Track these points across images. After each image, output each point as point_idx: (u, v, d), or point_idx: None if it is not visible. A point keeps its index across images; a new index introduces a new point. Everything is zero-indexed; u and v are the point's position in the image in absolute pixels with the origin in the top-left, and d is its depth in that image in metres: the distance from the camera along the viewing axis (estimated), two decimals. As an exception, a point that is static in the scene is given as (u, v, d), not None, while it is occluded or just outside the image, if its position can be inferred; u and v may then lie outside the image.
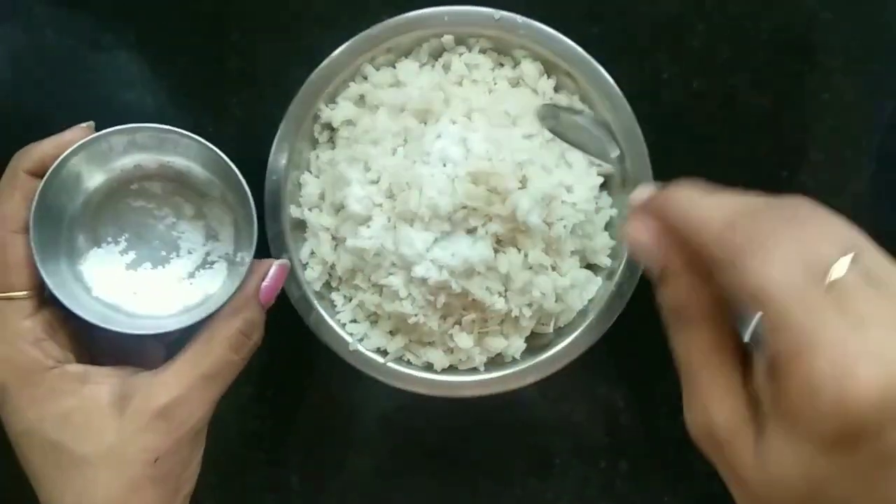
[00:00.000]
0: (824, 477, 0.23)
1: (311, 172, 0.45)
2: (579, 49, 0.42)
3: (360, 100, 0.44)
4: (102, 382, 0.33)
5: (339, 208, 0.43)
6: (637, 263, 0.43)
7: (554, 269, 0.43)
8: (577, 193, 0.42)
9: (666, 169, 0.48)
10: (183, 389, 0.33)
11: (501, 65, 0.44)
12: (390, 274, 0.41)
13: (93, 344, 0.35)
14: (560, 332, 0.44)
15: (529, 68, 0.43)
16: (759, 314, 0.24)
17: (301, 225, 0.45)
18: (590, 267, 0.45)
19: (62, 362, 0.33)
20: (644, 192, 0.31)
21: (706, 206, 0.28)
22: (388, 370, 0.44)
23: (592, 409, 0.50)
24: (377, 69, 0.44)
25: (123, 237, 0.40)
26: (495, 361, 0.44)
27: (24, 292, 0.32)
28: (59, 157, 0.35)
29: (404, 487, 0.51)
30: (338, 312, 0.45)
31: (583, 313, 0.44)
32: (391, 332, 0.44)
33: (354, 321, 0.44)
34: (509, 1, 0.43)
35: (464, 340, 0.43)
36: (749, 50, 0.48)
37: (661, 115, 0.48)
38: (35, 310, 0.32)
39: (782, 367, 0.23)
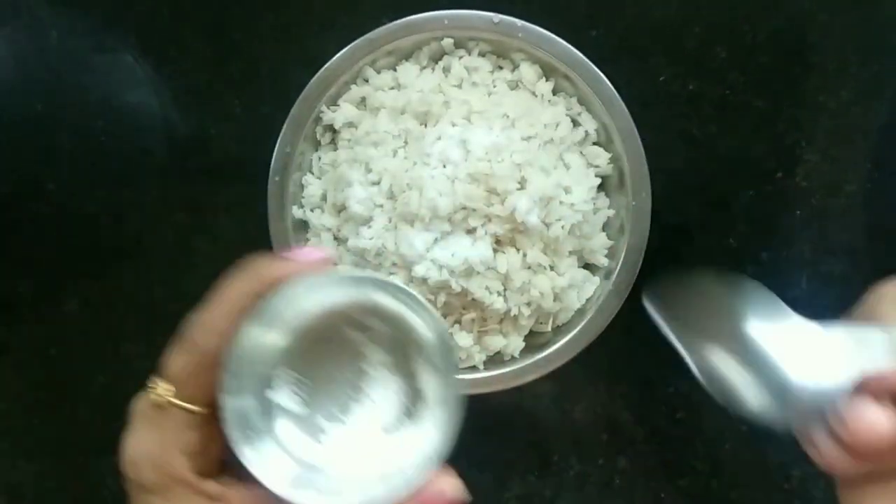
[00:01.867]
0: None
1: (313, 174, 0.45)
2: (577, 52, 0.43)
3: (362, 102, 0.44)
4: None
5: (340, 209, 0.44)
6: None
7: (552, 268, 0.43)
8: (576, 194, 0.43)
9: (663, 170, 0.48)
10: None
11: (500, 67, 0.45)
12: (391, 274, 0.42)
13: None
14: (558, 331, 0.45)
15: (528, 71, 0.44)
16: None
17: (303, 225, 0.45)
18: (587, 267, 0.45)
19: (205, 476, 0.32)
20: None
21: None
22: (389, 369, 0.44)
23: (591, 406, 0.50)
24: (378, 72, 0.44)
25: (311, 383, 0.36)
26: (494, 360, 0.45)
27: (203, 409, 0.31)
28: (285, 282, 0.32)
29: (404, 485, 0.51)
30: (339, 312, 0.45)
31: (581, 312, 0.45)
32: (392, 332, 0.44)
33: (356, 320, 0.45)
34: (508, 4, 0.43)
35: (463, 339, 0.43)
36: (745, 51, 0.48)
37: (659, 116, 0.48)
38: (203, 424, 0.32)
39: None
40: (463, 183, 0.40)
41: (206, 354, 0.31)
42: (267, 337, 0.34)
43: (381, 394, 0.37)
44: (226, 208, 0.49)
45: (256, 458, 0.33)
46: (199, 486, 0.32)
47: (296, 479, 0.34)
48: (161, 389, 0.31)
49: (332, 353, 0.36)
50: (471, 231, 0.41)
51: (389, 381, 0.37)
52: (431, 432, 0.36)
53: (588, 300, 0.45)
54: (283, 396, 0.35)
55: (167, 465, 0.32)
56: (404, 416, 0.37)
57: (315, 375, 0.36)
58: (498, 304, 0.42)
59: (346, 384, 0.37)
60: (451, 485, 0.35)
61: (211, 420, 0.32)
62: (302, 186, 0.45)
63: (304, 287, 0.33)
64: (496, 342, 0.44)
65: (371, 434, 0.36)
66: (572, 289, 0.44)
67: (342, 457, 0.36)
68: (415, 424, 0.37)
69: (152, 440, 0.32)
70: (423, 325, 0.35)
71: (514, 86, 0.45)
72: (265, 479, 0.32)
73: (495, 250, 0.42)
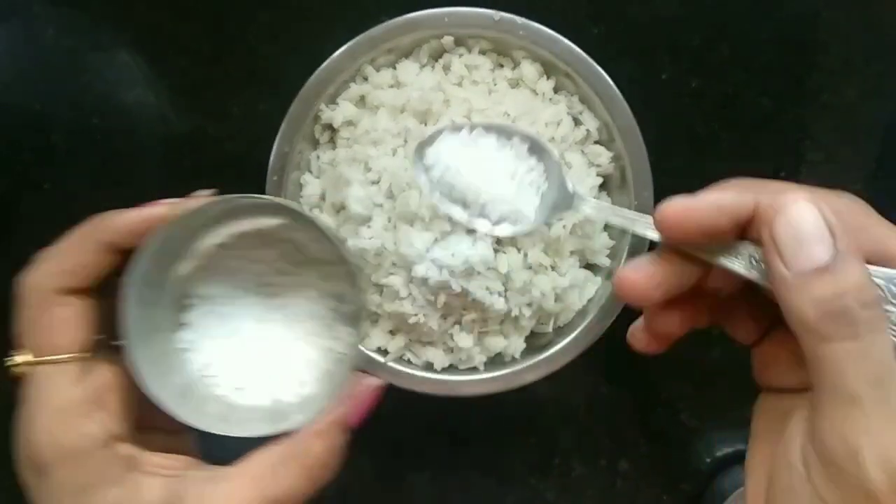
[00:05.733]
0: None
1: (311, 173, 0.45)
2: (578, 50, 0.42)
3: (361, 100, 0.44)
4: (152, 475, 0.29)
5: (339, 209, 0.43)
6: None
7: (553, 268, 0.43)
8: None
9: (665, 169, 0.48)
10: None
11: (501, 66, 0.45)
12: (391, 274, 0.41)
13: (140, 403, 0.31)
14: (559, 332, 0.44)
15: (529, 69, 0.43)
16: None
17: (301, 225, 0.45)
18: (589, 267, 0.45)
19: (113, 436, 0.29)
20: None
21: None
22: (389, 370, 0.44)
23: (592, 408, 0.50)
24: (377, 70, 0.44)
25: (224, 301, 0.38)
26: (495, 361, 0.44)
27: (70, 355, 0.29)
28: (145, 231, 0.32)
29: (404, 487, 0.51)
30: (338, 312, 0.45)
31: (582, 313, 0.44)
32: (392, 332, 0.44)
33: (355, 321, 0.45)
34: (509, 2, 0.43)
35: (464, 340, 0.43)
36: (749, 50, 0.48)
37: (661, 115, 0.48)
38: (84, 374, 0.29)
39: None
40: (463, 182, 0.40)
41: (52, 293, 0.29)
42: (169, 262, 0.36)
43: (301, 306, 0.38)
44: (224, 208, 0.49)
45: (149, 360, 0.32)
46: (108, 448, 0.29)
47: (188, 392, 0.35)
48: (20, 358, 0.29)
49: (243, 272, 0.38)
50: (471, 231, 0.41)
51: (307, 295, 0.38)
52: (345, 338, 0.37)
53: (590, 300, 0.44)
54: (195, 313, 0.37)
55: (63, 429, 0.28)
56: (326, 325, 0.38)
57: (230, 295, 0.38)
58: (499, 304, 0.42)
59: (264, 301, 0.38)
60: (370, 378, 0.33)
61: (92, 368, 0.29)
62: (300, 186, 0.45)
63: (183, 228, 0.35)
64: (497, 343, 0.43)
65: (290, 344, 0.38)
66: (574, 289, 0.44)
67: (256, 366, 0.37)
68: (332, 331, 0.38)
69: (41, 415, 0.28)
70: (313, 238, 0.36)
71: (515, 84, 0.44)
72: (145, 384, 0.31)
73: (496, 250, 0.41)
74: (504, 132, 0.38)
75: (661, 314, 0.30)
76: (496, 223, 0.38)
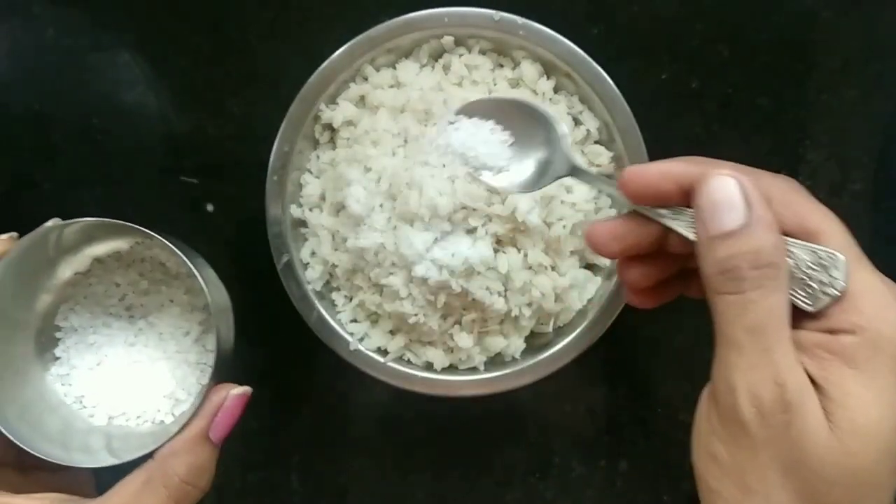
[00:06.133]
0: None
1: (311, 173, 0.45)
2: (578, 50, 0.42)
3: (361, 100, 0.44)
4: None
5: (339, 208, 0.43)
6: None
7: (553, 268, 0.43)
8: (577, 193, 0.42)
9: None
10: None
11: (501, 66, 0.45)
12: (391, 274, 0.41)
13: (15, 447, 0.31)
14: (559, 332, 0.44)
15: (529, 69, 0.43)
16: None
17: (302, 225, 0.45)
18: (589, 267, 0.45)
19: None
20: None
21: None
22: (389, 370, 0.44)
23: (592, 408, 0.50)
24: (377, 70, 0.44)
25: (91, 330, 0.39)
26: (495, 361, 0.44)
27: None
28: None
29: (404, 487, 0.51)
30: (338, 312, 0.45)
31: (582, 313, 0.44)
32: (391, 332, 0.44)
33: (355, 321, 0.44)
34: (509, 2, 0.43)
35: (464, 340, 0.43)
36: (748, 50, 0.48)
37: (661, 115, 0.48)
38: None
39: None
40: (463, 182, 0.40)
41: None
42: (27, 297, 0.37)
43: (169, 323, 0.40)
44: (224, 207, 0.49)
45: (18, 407, 0.34)
46: None
47: (69, 429, 0.36)
48: None
49: (107, 298, 0.40)
50: (471, 231, 0.41)
51: (173, 312, 0.40)
52: (211, 350, 0.38)
53: (590, 300, 0.44)
54: (63, 346, 0.39)
55: None
56: (195, 339, 0.40)
57: (96, 322, 0.39)
58: (499, 304, 0.41)
59: (132, 324, 0.40)
60: (232, 387, 0.33)
61: None
62: (300, 185, 0.45)
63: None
64: (497, 343, 0.43)
65: (161, 364, 0.39)
66: (574, 289, 0.43)
67: (130, 392, 0.39)
68: (203, 345, 0.40)
69: None
70: (171, 254, 0.38)
71: (515, 84, 0.44)
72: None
73: (496, 250, 0.41)
74: (489, 115, 0.40)
75: (626, 266, 0.34)
76: (497, 174, 0.40)
